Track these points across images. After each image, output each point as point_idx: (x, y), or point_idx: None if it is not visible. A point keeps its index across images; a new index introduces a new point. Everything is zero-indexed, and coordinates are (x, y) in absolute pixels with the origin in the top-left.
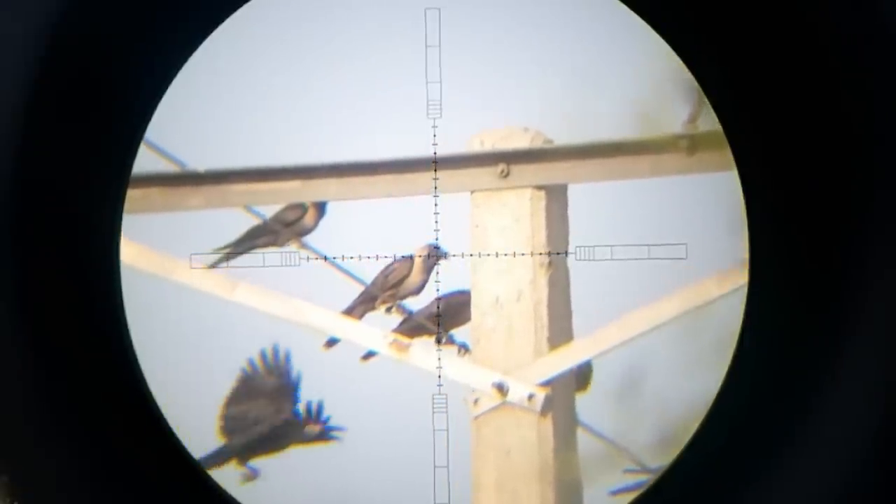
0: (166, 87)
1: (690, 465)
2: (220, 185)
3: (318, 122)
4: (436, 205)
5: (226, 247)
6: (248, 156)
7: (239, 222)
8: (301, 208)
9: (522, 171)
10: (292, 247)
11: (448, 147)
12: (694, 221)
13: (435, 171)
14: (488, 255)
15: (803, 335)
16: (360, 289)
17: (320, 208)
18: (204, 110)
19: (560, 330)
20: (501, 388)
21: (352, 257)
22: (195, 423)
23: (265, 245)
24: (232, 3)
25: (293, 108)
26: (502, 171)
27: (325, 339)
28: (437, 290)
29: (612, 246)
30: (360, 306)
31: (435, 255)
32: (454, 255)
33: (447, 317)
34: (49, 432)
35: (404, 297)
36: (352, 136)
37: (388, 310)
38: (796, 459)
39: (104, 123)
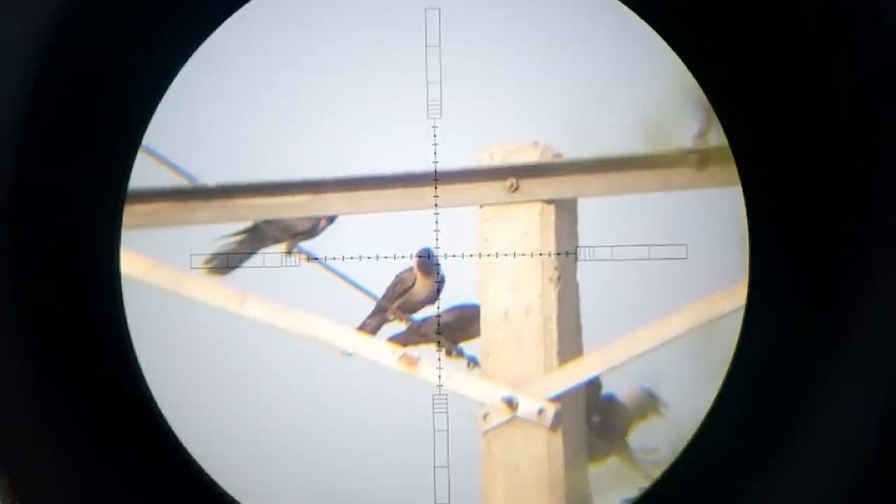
0: (164, 91)
1: (691, 465)
2: (229, 200)
3: (319, 126)
4: (437, 220)
5: (226, 236)
6: (254, 162)
7: None
8: (313, 219)
9: (532, 186)
10: (296, 256)
11: (454, 155)
12: (694, 222)
13: (443, 185)
14: (497, 269)
15: (803, 336)
16: (359, 295)
17: (329, 218)
18: (207, 117)
19: (570, 344)
20: (511, 403)
21: (351, 257)
22: (195, 423)
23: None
24: (229, 5)
25: (293, 110)
26: (511, 186)
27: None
28: (437, 305)
29: (612, 246)
30: (374, 319)
31: (426, 259)
32: (453, 256)
33: (456, 330)
34: (50, 434)
35: (415, 306)
36: (353, 139)
37: (402, 321)
38: (796, 460)
39: (103, 126)
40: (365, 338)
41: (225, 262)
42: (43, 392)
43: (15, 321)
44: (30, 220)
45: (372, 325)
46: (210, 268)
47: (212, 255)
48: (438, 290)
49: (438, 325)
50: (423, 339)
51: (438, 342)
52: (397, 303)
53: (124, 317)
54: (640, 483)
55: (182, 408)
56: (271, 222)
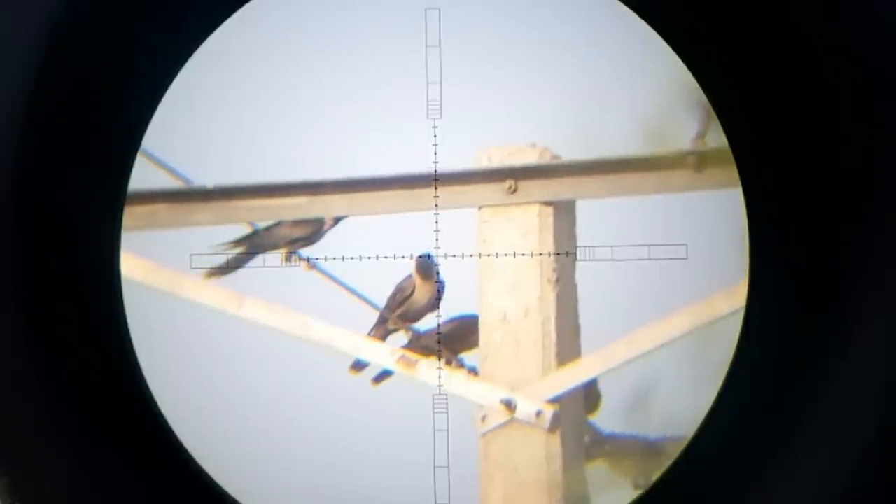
0: (164, 91)
1: (691, 465)
2: (228, 201)
3: (319, 126)
4: (437, 221)
5: (226, 243)
6: (253, 163)
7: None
8: (313, 224)
9: (530, 187)
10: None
11: (453, 158)
12: (694, 223)
13: (442, 186)
14: (496, 270)
15: (803, 336)
16: (357, 301)
17: (336, 219)
18: (206, 117)
19: (568, 346)
20: (509, 405)
21: (351, 258)
22: (195, 423)
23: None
24: (229, 5)
25: (293, 110)
26: (510, 187)
27: (351, 363)
28: (438, 314)
29: (612, 247)
30: (377, 330)
31: (425, 265)
32: (454, 258)
33: (456, 340)
34: (50, 434)
35: (416, 314)
36: (353, 140)
37: (404, 331)
38: (796, 460)
39: (103, 126)
40: (364, 341)
41: (225, 265)
42: (43, 392)
43: (15, 321)
44: (30, 221)
45: (376, 337)
46: (211, 274)
47: (212, 267)
48: (439, 296)
49: (439, 335)
50: (425, 351)
51: (439, 353)
52: (398, 311)
53: (124, 317)
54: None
55: (182, 408)
56: (269, 229)
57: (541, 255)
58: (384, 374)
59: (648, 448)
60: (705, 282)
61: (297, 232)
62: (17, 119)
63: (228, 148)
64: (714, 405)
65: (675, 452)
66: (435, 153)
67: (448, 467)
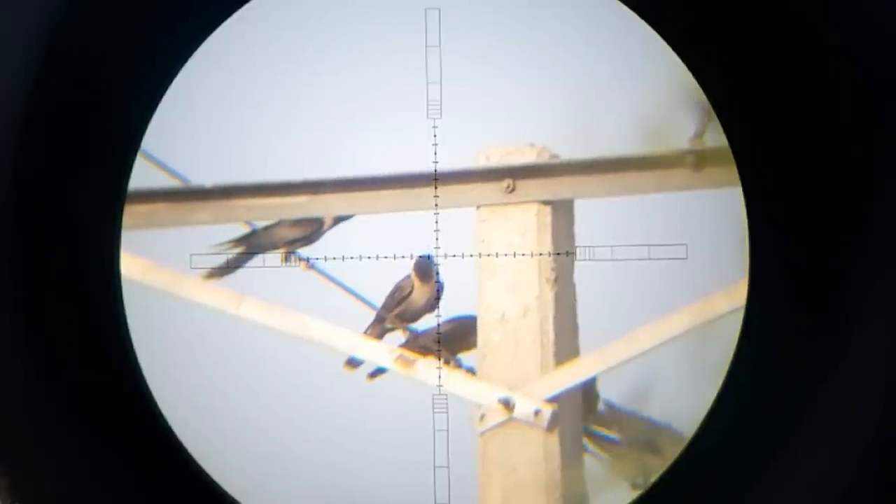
0: (164, 91)
1: (691, 465)
2: (227, 200)
3: (318, 126)
4: (437, 220)
5: (225, 243)
6: (253, 162)
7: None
8: (313, 224)
9: (528, 187)
10: (295, 261)
11: (452, 158)
12: (694, 222)
13: (443, 185)
14: (495, 270)
15: (803, 336)
16: (356, 302)
17: (336, 219)
18: (206, 117)
19: (567, 345)
20: (508, 404)
21: (350, 257)
22: (195, 423)
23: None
24: (229, 5)
25: (293, 110)
26: (508, 186)
27: (346, 359)
28: (437, 314)
29: (612, 246)
30: (374, 329)
31: (424, 265)
32: (453, 258)
33: (455, 340)
34: (50, 434)
35: (415, 314)
36: (353, 140)
37: (401, 330)
38: (796, 460)
39: (103, 126)
40: (362, 340)
41: (225, 265)
42: (43, 392)
43: (15, 321)
44: (30, 220)
45: (373, 336)
46: (211, 275)
47: (212, 268)
48: (438, 297)
49: (438, 336)
50: (423, 350)
51: (438, 353)
52: (396, 311)
53: (124, 317)
54: (635, 481)
55: (182, 408)
56: (268, 229)
57: (540, 254)
58: (379, 371)
59: (652, 428)
60: (705, 281)
61: (297, 232)
62: (17, 119)
63: (228, 148)
64: (714, 405)
65: (674, 452)
66: (435, 153)
67: (448, 467)
